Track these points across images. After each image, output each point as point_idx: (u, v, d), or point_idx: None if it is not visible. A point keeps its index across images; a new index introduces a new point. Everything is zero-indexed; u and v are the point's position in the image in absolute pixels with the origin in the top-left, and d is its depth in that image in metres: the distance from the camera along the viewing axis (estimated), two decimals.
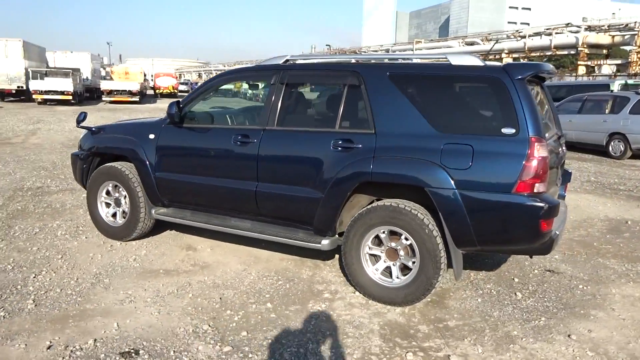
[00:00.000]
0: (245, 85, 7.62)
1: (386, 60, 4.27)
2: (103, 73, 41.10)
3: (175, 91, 44.91)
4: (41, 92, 28.50)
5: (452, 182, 3.61)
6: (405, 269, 3.95)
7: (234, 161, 4.48)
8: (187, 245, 5.22)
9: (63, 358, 3.05)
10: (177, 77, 48.69)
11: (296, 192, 4.20)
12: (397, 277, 3.96)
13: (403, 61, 4.26)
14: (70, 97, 28.74)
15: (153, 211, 4.99)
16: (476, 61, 3.79)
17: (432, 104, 3.91)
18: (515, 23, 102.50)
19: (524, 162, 3.47)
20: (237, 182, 4.47)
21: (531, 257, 4.80)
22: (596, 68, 33.44)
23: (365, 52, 61.49)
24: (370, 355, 3.25)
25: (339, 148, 3.99)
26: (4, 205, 6.51)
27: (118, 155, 5.20)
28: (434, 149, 3.70)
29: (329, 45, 70.94)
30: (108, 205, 5.31)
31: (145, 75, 41.71)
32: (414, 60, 4.22)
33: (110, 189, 5.24)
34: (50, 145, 12.25)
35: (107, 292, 4.02)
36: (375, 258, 4.04)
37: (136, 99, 33.28)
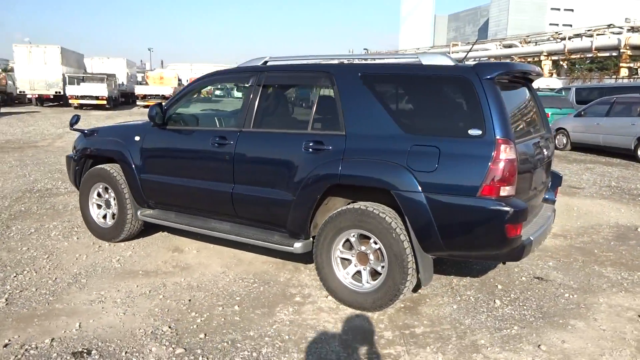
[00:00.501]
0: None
1: (356, 61, 4.19)
2: (139, 78, 42.11)
3: (210, 95, 45.52)
4: (77, 97, 29.47)
5: (418, 184, 3.51)
6: (375, 274, 3.86)
7: (213, 163, 4.49)
8: (175, 247, 5.26)
9: (16, 356, 3.11)
10: None
11: (270, 194, 4.17)
12: (367, 282, 3.87)
13: (375, 61, 4.17)
14: (104, 102, 29.61)
15: (139, 213, 5.05)
16: (447, 61, 3.68)
17: (400, 105, 3.82)
18: (557, 24, 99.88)
19: (489, 165, 3.34)
20: (215, 184, 4.48)
21: (503, 263, 4.63)
22: (639, 70, 32.18)
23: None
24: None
25: (310, 150, 3.95)
26: (9, 206, 6.72)
27: (109, 158, 5.29)
28: (401, 150, 3.61)
29: (366, 50, 70.79)
30: (99, 206, 5.41)
31: (180, 80, 42.51)
32: (386, 61, 4.12)
33: (100, 190, 5.34)
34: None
35: (80, 292, 4.08)
36: (346, 262, 3.97)
37: None
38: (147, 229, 5.44)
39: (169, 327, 3.53)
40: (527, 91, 4.38)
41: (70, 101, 29.80)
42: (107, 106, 30.02)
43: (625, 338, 3.57)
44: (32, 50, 30.54)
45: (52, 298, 3.96)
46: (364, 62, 4.14)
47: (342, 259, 3.96)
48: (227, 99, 22.62)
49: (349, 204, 4.03)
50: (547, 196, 4.63)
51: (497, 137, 3.37)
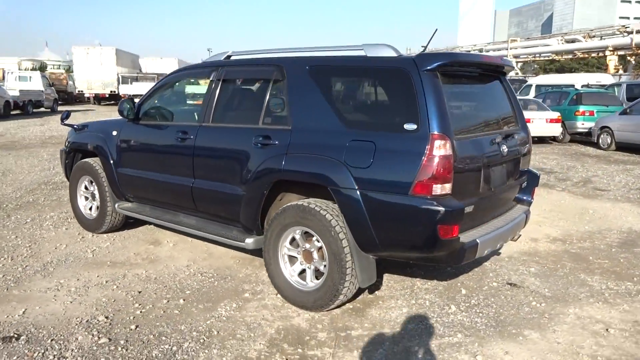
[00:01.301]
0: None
1: (307, 54, 4.09)
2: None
3: None
4: (130, 96, 30.65)
5: (353, 181, 3.38)
6: (319, 273, 3.76)
7: (176, 158, 4.53)
8: (154, 240, 5.34)
9: None
10: None
11: (224, 189, 4.15)
12: (311, 281, 3.78)
13: (322, 53, 4.05)
14: None
15: (117, 205, 5.17)
16: (390, 52, 3.51)
17: (343, 99, 3.70)
18: (628, 18, 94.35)
19: (421, 161, 3.16)
20: (179, 178, 4.50)
21: (448, 267, 4.39)
22: None
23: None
24: (243, 359, 3.12)
25: (259, 145, 3.89)
26: (20, 197, 7.07)
27: (93, 152, 5.44)
28: (339, 145, 3.48)
29: (424, 47, 69.52)
30: (86, 198, 5.58)
31: None
32: (333, 53, 3.99)
33: (87, 183, 5.51)
34: None
35: (42, 280, 4.21)
36: (294, 259, 3.88)
37: None
38: (135, 222, 5.55)
39: (106, 317, 3.58)
40: (499, 85, 4.13)
41: (187, 99, 31.01)
42: None
43: (580, 353, 3.29)
44: (89, 51, 32.11)
45: (13, 284, 4.11)
46: (312, 54, 4.02)
47: (290, 256, 3.88)
48: None
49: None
50: (521, 196, 4.35)
51: (431, 132, 3.18)
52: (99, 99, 33.37)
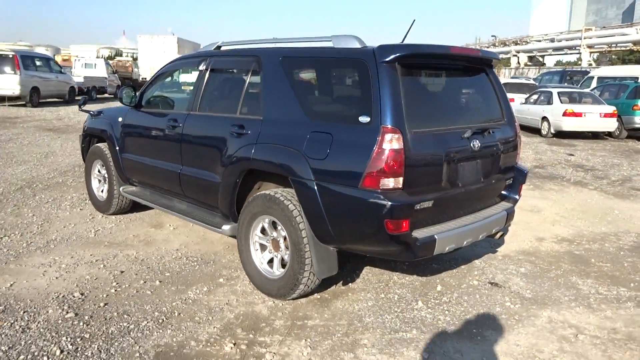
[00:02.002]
0: None
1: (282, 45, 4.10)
2: None
3: None
4: (187, 84, 31.61)
5: (311, 172, 3.39)
6: (285, 262, 3.80)
7: (168, 144, 4.69)
8: (157, 223, 5.57)
9: None
10: None
11: (205, 176, 4.27)
12: (277, 269, 3.83)
13: (296, 44, 4.04)
14: None
15: (121, 189, 5.43)
16: (354, 43, 3.47)
17: (308, 90, 3.70)
18: None
19: (371, 154, 3.13)
20: (170, 164, 4.68)
21: (406, 263, 4.32)
22: None
23: (526, 42, 56.91)
24: (192, 341, 3.23)
25: (235, 134, 3.97)
26: (53, 177, 7.54)
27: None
28: (302, 137, 3.50)
29: (494, 37, 67.04)
30: (99, 181, 5.89)
31: None
32: (303, 44, 3.98)
33: (99, 166, 5.82)
34: None
35: (39, 256, 4.51)
36: (264, 248, 3.95)
37: None
38: (144, 205, 5.77)
39: (81, 294, 3.80)
40: (483, 78, 3.99)
41: (182, 87, 32.07)
42: None
43: (536, 357, 3.16)
44: (153, 40, 33.32)
45: (12, 259, 4.43)
46: (286, 45, 4.03)
47: (261, 244, 3.95)
48: None
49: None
50: (507, 193, 4.20)
51: (383, 124, 3.14)
52: None
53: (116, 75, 28.43)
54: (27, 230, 5.16)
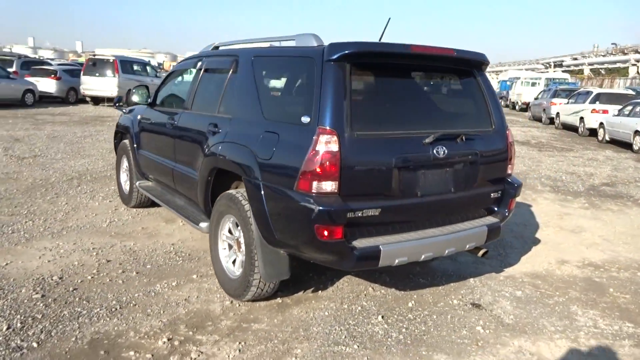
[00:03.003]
0: None
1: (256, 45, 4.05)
2: None
3: None
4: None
5: (259, 172, 3.33)
6: None
7: (167, 141, 4.85)
8: (171, 218, 5.76)
9: None
10: None
11: (189, 173, 4.35)
12: (238, 270, 3.80)
13: (264, 44, 3.97)
14: None
15: (137, 183, 5.69)
16: (312, 41, 3.35)
17: (268, 89, 3.62)
18: None
19: (306, 155, 3.00)
20: (167, 161, 4.83)
21: (350, 272, 4.08)
22: None
23: None
24: (132, 331, 3.29)
25: (211, 132, 4.01)
26: (104, 171, 8.09)
27: None
28: (256, 136, 3.45)
29: (614, 44, 61.99)
30: (127, 175, 6.22)
31: None
32: (274, 43, 3.89)
33: (126, 161, 6.15)
34: None
35: (47, 241, 4.84)
36: (231, 247, 3.94)
37: None
38: None
39: (59, 278, 4.01)
40: (468, 80, 3.70)
41: None
42: None
43: None
44: None
45: (24, 241, 4.80)
46: (258, 45, 3.98)
47: (229, 244, 3.94)
48: None
49: None
50: (493, 207, 3.84)
51: (320, 125, 3.00)
52: None
53: None
54: (51, 217, 5.57)
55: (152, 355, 3.05)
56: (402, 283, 4.22)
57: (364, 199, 3.12)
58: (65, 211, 5.81)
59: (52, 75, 20.33)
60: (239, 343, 3.22)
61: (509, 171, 3.90)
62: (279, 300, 3.83)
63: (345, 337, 3.33)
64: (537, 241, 5.58)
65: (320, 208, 2.94)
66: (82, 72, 20.20)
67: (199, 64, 4.62)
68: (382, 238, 3.23)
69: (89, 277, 4.07)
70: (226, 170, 3.82)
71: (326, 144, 2.96)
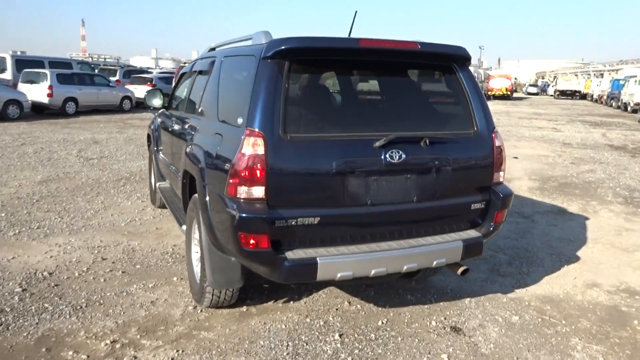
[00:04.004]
0: None
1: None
2: None
3: (508, 93, 43.45)
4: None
5: (205, 175, 3.22)
6: None
7: (168, 143, 4.92)
8: None
9: None
10: (511, 79, 46.54)
11: (177, 174, 4.35)
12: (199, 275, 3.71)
13: (238, 44, 3.80)
14: None
15: (158, 184, 5.83)
16: (261, 39, 3.17)
17: (224, 90, 3.48)
18: None
19: (233, 159, 2.83)
20: (169, 162, 4.88)
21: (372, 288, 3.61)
22: None
23: None
24: (83, 331, 3.31)
25: (190, 134, 3.98)
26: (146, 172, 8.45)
27: None
28: (209, 137, 3.35)
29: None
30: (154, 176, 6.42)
31: (475, 77, 41.98)
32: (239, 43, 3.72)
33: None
34: None
35: (62, 237, 5.09)
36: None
37: None
38: None
39: (49, 274, 4.16)
40: (448, 79, 3.32)
41: None
42: None
43: None
44: None
45: (42, 236, 5.10)
46: (233, 46, 3.84)
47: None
48: None
49: None
50: (477, 219, 3.40)
51: (249, 127, 2.81)
52: None
53: None
54: (80, 215, 5.88)
55: (88, 357, 3.04)
56: (385, 299, 3.89)
57: (300, 207, 2.88)
58: (95, 210, 6.11)
59: (148, 83, 21.82)
60: (177, 351, 3.12)
61: (498, 179, 3.43)
62: (243, 308, 3.68)
63: (288, 354, 3.11)
64: (574, 259, 4.91)
65: (241, 215, 2.77)
66: (174, 79, 21.47)
67: (194, 66, 4.62)
68: (323, 250, 2.97)
69: (76, 274, 4.20)
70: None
71: (253, 147, 2.77)
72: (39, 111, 17.74)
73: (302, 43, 2.91)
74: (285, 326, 3.44)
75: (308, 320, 3.54)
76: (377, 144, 2.95)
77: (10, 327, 3.33)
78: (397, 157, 2.99)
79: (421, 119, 3.27)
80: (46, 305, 3.65)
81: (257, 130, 2.79)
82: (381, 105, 3.30)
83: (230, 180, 2.85)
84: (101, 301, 3.74)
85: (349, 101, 3.19)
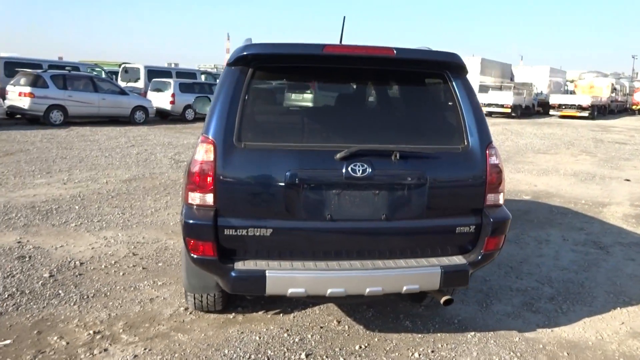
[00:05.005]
0: None
1: None
2: (570, 87, 39.99)
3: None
4: (484, 105, 30.90)
5: (183, 180, 3.27)
6: None
7: None
8: None
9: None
10: None
11: None
12: None
13: None
14: (509, 110, 29.92)
15: None
16: (245, 44, 3.13)
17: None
18: None
19: (190, 166, 2.86)
20: None
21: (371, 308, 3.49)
22: None
23: None
24: (77, 320, 3.54)
25: None
26: None
27: None
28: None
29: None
30: None
31: (617, 89, 38.02)
32: None
33: None
34: None
35: (112, 231, 5.50)
36: None
37: (585, 114, 31.16)
38: None
39: (81, 264, 4.52)
40: (437, 88, 3.04)
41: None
42: (512, 115, 30.19)
43: None
44: None
45: (96, 229, 5.54)
46: None
47: None
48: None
49: None
50: (468, 246, 3.05)
51: (204, 134, 2.82)
52: None
53: None
54: (140, 212, 6.32)
55: (67, 343, 3.24)
56: (380, 322, 3.64)
57: (252, 217, 2.81)
58: (156, 208, 6.53)
59: None
60: (144, 349, 3.20)
61: (495, 201, 3.04)
62: (231, 315, 3.68)
63: None
64: (634, 302, 4.22)
65: (186, 221, 2.78)
66: None
67: None
68: (276, 263, 2.86)
69: (103, 266, 4.51)
70: None
71: (205, 154, 2.77)
72: (164, 117, 19.46)
73: (264, 49, 2.85)
74: (259, 338, 3.37)
75: (286, 335, 3.43)
76: (338, 156, 2.78)
77: (19, 308, 3.66)
78: (361, 171, 2.79)
79: (397, 132, 3.01)
80: (60, 291, 3.96)
81: (209, 137, 2.78)
82: (351, 116, 3.10)
83: (185, 187, 2.88)
84: (108, 293, 3.97)
85: (313, 110, 3.04)
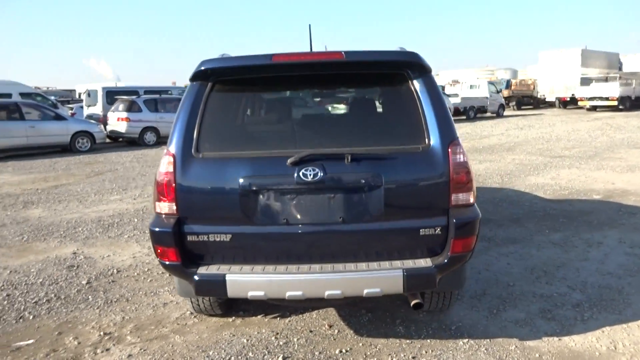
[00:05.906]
0: None
1: None
2: None
3: None
4: (586, 99, 28.70)
5: None
6: None
7: None
8: None
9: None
10: None
11: None
12: None
13: None
14: (615, 103, 27.51)
15: None
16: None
17: None
18: None
19: (155, 177, 3.07)
20: None
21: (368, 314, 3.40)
22: None
23: None
24: (94, 322, 3.89)
25: None
26: None
27: None
28: None
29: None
30: None
31: None
32: None
33: None
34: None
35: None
36: None
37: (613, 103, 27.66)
38: None
39: (117, 271, 4.95)
40: (397, 89, 3.01)
41: (579, 103, 29.39)
42: (620, 107, 27.72)
43: None
44: (555, 55, 31.78)
45: (145, 240, 6.02)
46: None
47: None
48: None
49: None
50: (437, 248, 2.94)
51: (168, 146, 3.02)
52: (564, 103, 32.59)
53: (500, 94, 28.75)
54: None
55: (79, 343, 3.59)
56: (373, 326, 3.60)
57: (212, 223, 2.95)
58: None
59: None
60: (140, 349, 3.45)
61: (464, 201, 2.90)
62: (231, 319, 3.83)
63: None
64: None
65: (152, 229, 2.97)
66: None
67: None
68: (237, 267, 2.97)
69: (135, 274, 4.89)
70: None
71: (167, 166, 2.97)
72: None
73: (220, 63, 2.99)
74: (247, 341, 3.48)
75: (273, 338, 3.51)
76: (289, 161, 2.84)
77: (51, 312, 4.10)
78: (312, 175, 2.82)
79: (353, 135, 2.98)
80: (89, 297, 4.37)
81: (171, 150, 2.98)
82: (307, 121, 3.12)
83: (153, 197, 3.10)
84: (130, 298, 4.31)
85: (269, 118, 3.11)
